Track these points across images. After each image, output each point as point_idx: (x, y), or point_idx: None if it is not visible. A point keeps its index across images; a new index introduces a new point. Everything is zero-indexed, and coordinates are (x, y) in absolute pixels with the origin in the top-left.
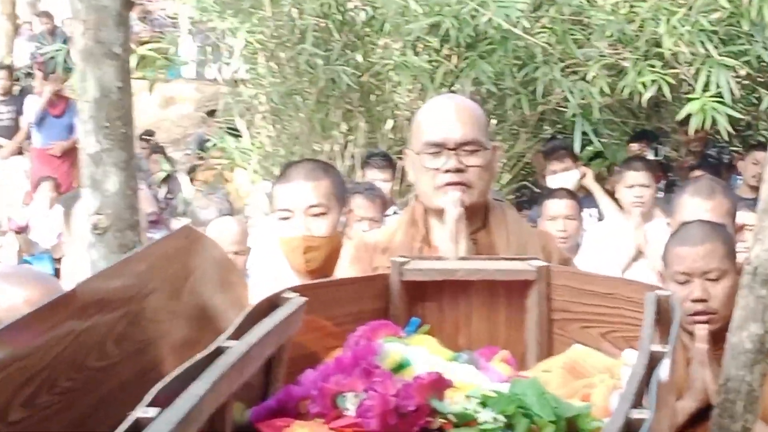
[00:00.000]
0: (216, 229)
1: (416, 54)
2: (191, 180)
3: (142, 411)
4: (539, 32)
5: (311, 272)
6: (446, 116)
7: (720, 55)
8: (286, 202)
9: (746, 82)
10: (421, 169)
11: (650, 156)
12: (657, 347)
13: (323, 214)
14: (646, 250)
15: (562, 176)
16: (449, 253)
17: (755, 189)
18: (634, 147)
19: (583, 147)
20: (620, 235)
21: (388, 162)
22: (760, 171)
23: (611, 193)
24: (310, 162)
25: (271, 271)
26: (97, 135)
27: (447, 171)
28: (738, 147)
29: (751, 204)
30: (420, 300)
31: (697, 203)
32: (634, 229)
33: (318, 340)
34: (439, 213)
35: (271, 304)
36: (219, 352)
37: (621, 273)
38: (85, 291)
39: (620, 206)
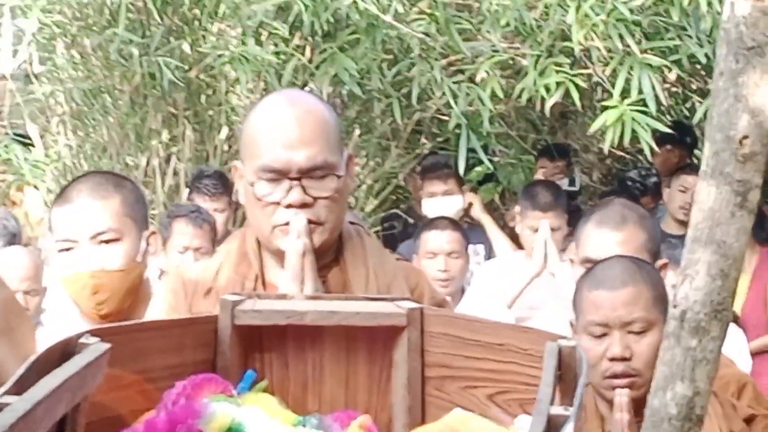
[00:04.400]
0: (2, 262)
1: (259, 44)
2: None
3: None
4: (416, 20)
5: (105, 317)
6: (287, 131)
7: (643, 52)
8: (67, 229)
9: (675, 87)
10: (255, 200)
11: (565, 185)
12: (558, 410)
13: (116, 240)
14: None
15: (442, 201)
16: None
17: (683, 224)
18: (545, 169)
19: (470, 167)
20: (515, 278)
21: (223, 187)
22: (689, 200)
23: (506, 227)
24: (95, 175)
25: (65, 316)
26: None
27: (289, 206)
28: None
29: (678, 244)
30: (257, 350)
31: (604, 234)
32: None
33: (124, 399)
34: (279, 252)
35: (64, 351)
36: None
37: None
38: None
39: (517, 244)
